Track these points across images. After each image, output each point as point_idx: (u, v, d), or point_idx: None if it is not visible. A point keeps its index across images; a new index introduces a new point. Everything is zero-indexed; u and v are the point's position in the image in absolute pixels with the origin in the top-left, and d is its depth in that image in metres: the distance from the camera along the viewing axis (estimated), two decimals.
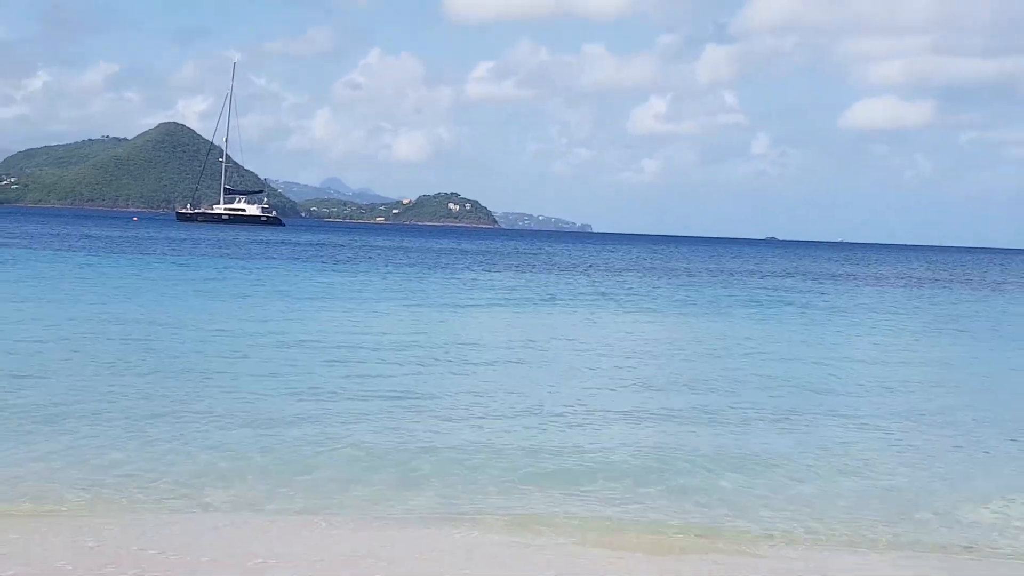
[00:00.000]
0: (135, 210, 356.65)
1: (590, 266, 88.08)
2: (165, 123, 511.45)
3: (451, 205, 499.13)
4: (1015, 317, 47.20)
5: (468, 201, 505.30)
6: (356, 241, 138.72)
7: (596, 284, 62.12)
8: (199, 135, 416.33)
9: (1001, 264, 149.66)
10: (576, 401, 19.83)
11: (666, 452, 15.78)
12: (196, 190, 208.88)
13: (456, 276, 65.16)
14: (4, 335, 25.33)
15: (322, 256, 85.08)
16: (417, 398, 19.48)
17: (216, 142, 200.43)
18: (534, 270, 77.51)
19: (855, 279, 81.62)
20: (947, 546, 11.81)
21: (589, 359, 26.58)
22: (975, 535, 12.26)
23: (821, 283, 73.59)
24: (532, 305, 44.19)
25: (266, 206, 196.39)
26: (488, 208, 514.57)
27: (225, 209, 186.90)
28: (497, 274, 69.62)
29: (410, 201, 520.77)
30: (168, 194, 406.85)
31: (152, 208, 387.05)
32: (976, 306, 54.76)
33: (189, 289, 44.15)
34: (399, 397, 19.44)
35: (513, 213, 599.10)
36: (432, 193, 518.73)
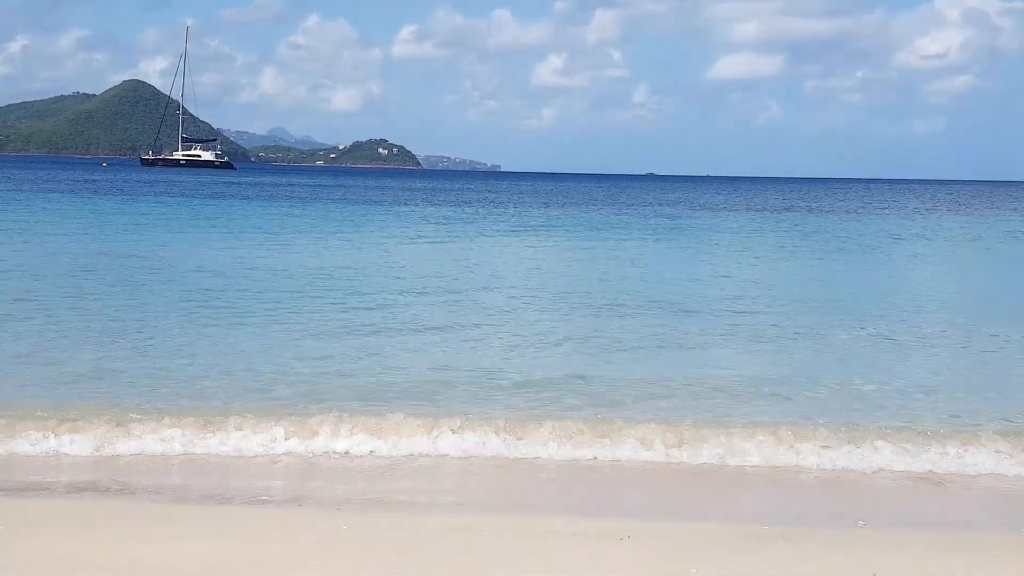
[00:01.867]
0: (104, 157, 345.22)
1: (506, 200, 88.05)
2: (129, 80, 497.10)
3: (381, 150, 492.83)
4: (858, 235, 48.58)
5: (395, 146, 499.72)
6: (304, 181, 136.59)
7: (516, 216, 62.26)
8: (159, 91, 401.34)
9: (839, 192, 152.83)
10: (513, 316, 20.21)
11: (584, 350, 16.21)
12: (157, 139, 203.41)
13: (397, 210, 64.87)
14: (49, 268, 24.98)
15: (282, 195, 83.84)
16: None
17: (174, 97, 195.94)
18: (461, 204, 77.34)
19: (725, 208, 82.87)
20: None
21: (523, 277, 26.93)
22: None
23: (697, 210, 74.70)
24: (467, 235, 44.14)
25: (219, 152, 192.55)
26: (412, 152, 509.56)
27: (183, 155, 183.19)
28: (432, 208, 69.45)
29: (345, 147, 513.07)
30: (132, 143, 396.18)
31: (119, 155, 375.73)
32: (829, 226, 56.17)
33: (188, 225, 43.30)
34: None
35: (433, 156, 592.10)
36: (364, 139, 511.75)
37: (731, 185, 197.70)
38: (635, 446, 10.47)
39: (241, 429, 10.64)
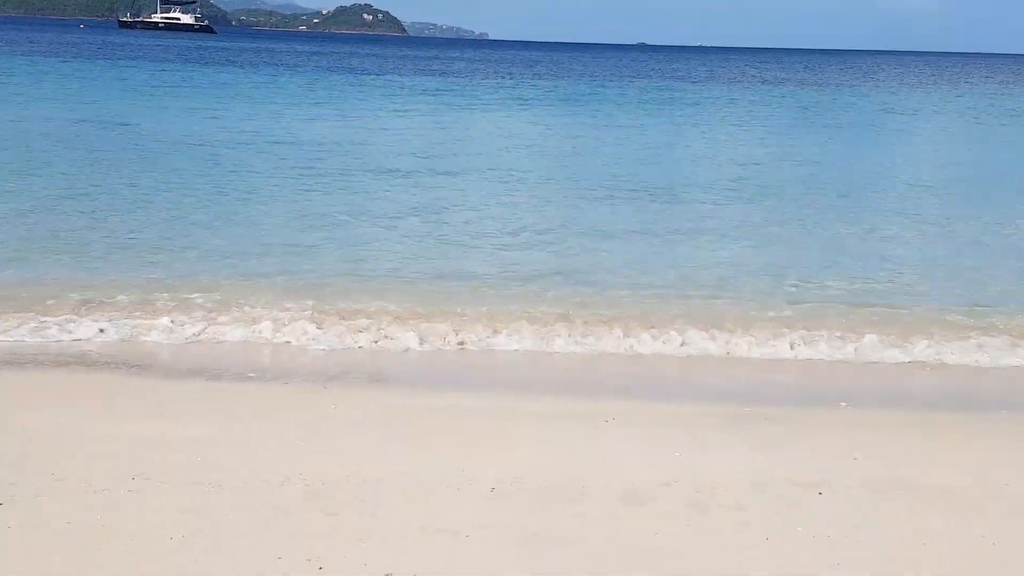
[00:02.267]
0: (82, 18, 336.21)
1: (497, 72, 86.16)
2: None
3: (365, 15, 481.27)
4: (855, 108, 47.91)
5: (380, 11, 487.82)
6: (289, 47, 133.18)
7: (508, 88, 60.99)
8: None
9: (835, 64, 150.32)
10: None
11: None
12: (135, 0, 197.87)
13: (387, 79, 63.40)
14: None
15: (269, 61, 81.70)
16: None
17: None
18: (451, 75, 75.70)
19: (720, 80, 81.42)
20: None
21: (516, 157, 26.41)
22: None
23: (693, 84, 73.33)
24: (460, 107, 43.33)
25: (199, 15, 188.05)
26: (398, 18, 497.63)
27: (162, 18, 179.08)
28: (424, 78, 67.87)
29: (329, 12, 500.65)
30: (110, 4, 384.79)
31: (96, 16, 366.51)
32: (828, 100, 55.33)
33: (177, 92, 42.11)
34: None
35: (419, 22, 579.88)
36: (348, 4, 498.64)
37: (724, 57, 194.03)
38: (618, 339, 10.38)
39: (224, 317, 10.64)
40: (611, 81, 73.61)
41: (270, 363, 9.37)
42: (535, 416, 7.87)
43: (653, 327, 10.50)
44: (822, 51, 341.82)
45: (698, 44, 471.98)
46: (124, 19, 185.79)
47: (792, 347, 10.27)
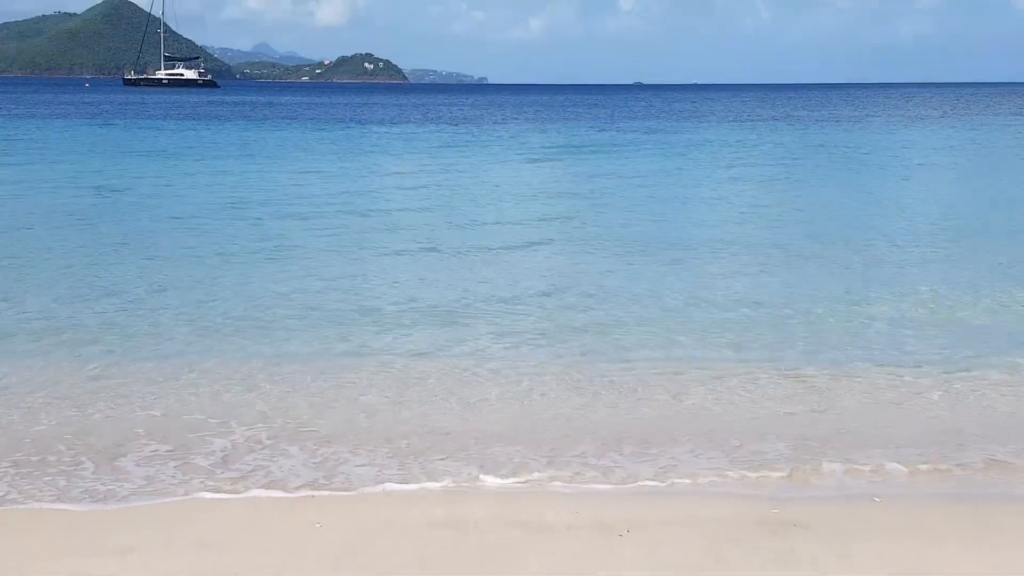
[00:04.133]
0: (87, 77, 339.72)
1: (505, 118, 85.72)
2: None
3: (366, 64, 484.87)
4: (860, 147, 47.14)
5: (381, 60, 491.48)
6: (291, 100, 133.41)
7: (517, 135, 60.38)
8: (140, 8, 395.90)
9: (832, 99, 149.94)
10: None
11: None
12: (139, 58, 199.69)
13: (400, 131, 62.89)
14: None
15: (274, 115, 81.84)
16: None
17: (155, 14, 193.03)
18: (458, 123, 75.33)
19: (724, 118, 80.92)
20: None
21: (525, 202, 25.67)
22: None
23: (687, 120, 72.93)
24: (470, 162, 42.59)
25: (202, 70, 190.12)
26: (398, 66, 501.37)
27: (165, 74, 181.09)
28: (434, 126, 67.50)
29: (330, 62, 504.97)
30: (116, 62, 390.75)
31: (103, 74, 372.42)
32: (834, 138, 54.53)
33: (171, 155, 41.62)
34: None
35: (420, 69, 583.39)
36: (350, 54, 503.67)
37: (726, 93, 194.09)
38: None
39: None
40: (613, 123, 73.18)
41: (248, 469, 8.29)
42: (547, 529, 6.91)
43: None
44: (815, 85, 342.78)
45: (694, 82, 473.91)
46: (128, 77, 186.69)
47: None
